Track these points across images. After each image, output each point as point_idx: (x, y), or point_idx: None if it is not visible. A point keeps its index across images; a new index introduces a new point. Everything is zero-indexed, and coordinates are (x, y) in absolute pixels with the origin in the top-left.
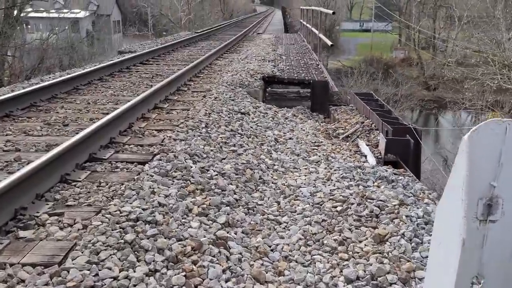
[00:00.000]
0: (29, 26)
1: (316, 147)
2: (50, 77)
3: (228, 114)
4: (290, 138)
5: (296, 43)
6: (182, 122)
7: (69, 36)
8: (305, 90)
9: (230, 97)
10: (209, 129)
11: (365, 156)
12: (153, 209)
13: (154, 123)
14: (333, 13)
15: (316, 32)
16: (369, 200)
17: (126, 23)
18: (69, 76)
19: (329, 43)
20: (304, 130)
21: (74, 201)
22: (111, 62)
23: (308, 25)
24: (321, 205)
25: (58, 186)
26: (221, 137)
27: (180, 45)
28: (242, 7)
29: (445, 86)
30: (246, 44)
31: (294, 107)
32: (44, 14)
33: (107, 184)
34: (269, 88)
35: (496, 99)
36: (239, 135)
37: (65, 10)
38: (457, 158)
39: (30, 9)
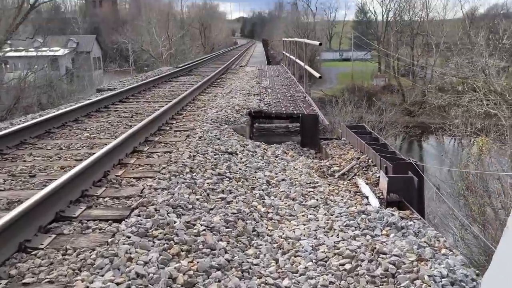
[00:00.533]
0: (7, 66)
1: (312, 189)
2: (21, 120)
3: (215, 155)
4: (283, 180)
5: (280, 75)
6: (164, 168)
7: (48, 74)
8: (294, 124)
9: (215, 135)
10: (194, 173)
11: (367, 198)
12: (130, 282)
13: (132, 169)
14: (320, 44)
15: (302, 64)
16: (381, 256)
17: (107, 59)
18: (41, 118)
19: (317, 75)
20: (297, 169)
21: (33, 277)
22: (88, 101)
23: (291, 56)
24: (326, 262)
25: (15, 257)
26: (207, 183)
27: (161, 80)
28: (223, 40)
29: (427, 111)
30: (230, 77)
31: (283, 142)
32: (23, 53)
33: (75, 251)
34: (256, 124)
35: (482, 124)
36: (228, 179)
37: (44, 49)
38: None
39: (8, 49)
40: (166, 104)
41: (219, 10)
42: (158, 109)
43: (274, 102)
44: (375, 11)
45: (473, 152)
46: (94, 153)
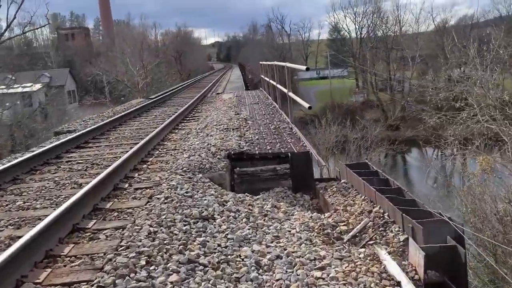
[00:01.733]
0: None
1: (319, 271)
2: None
3: (184, 225)
4: (277, 257)
5: (260, 101)
6: (109, 260)
7: (22, 112)
8: (282, 166)
9: (186, 192)
10: (152, 267)
11: (399, 284)
12: None
13: (64, 266)
14: (307, 69)
15: (285, 90)
16: None
17: (81, 92)
18: None
19: (306, 105)
20: (293, 235)
21: None
22: (38, 151)
23: (271, 81)
24: None
25: None
26: (171, 283)
27: (129, 116)
28: (200, 66)
29: (409, 125)
30: (205, 107)
31: (271, 189)
32: None
33: None
34: (238, 169)
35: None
36: (202, 268)
37: (15, 85)
38: None
39: None
40: (131, 148)
41: (193, 36)
42: (119, 157)
43: (257, 138)
44: (348, 29)
45: (476, 172)
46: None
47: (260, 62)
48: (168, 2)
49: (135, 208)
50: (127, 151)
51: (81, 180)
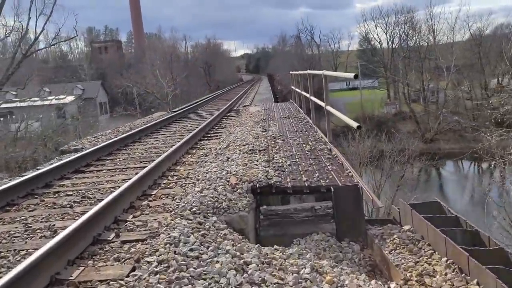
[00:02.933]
0: (13, 116)
1: None
2: None
3: None
4: None
5: (291, 115)
6: None
7: (55, 122)
8: (323, 204)
9: (192, 250)
10: None
11: None
12: None
13: None
14: (356, 76)
15: (321, 104)
16: None
17: (112, 104)
18: None
19: (354, 124)
20: None
21: None
22: (24, 178)
23: (304, 93)
24: None
25: None
26: None
27: (146, 132)
28: (228, 77)
29: (442, 136)
30: (230, 122)
31: (308, 235)
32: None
33: None
34: (264, 207)
35: None
36: None
37: (50, 97)
38: None
39: (15, 99)
40: (136, 173)
41: (223, 48)
42: (119, 186)
43: (289, 164)
44: (379, 39)
45: None
46: None
47: (291, 72)
48: (198, 15)
49: (111, 283)
50: (130, 178)
51: (60, 223)
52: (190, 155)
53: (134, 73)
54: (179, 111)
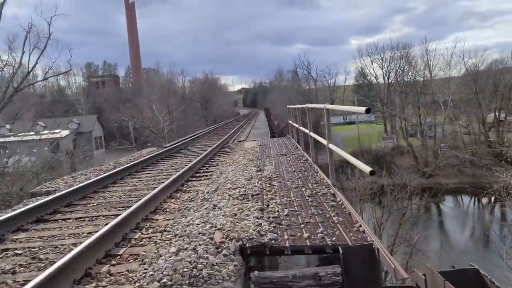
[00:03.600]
0: (6, 151)
1: None
2: None
3: None
4: None
5: (288, 152)
6: None
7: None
8: (329, 270)
9: None
10: None
11: None
12: None
13: None
14: (368, 110)
15: (323, 142)
16: None
17: (108, 138)
18: None
19: (367, 169)
20: None
21: None
22: None
23: (303, 129)
24: None
25: None
26: None
27: (130, 170)
28: (225, 111)
29: (441, 171)
30: (223, 159)
31: None
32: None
33: None
34: (256, 273)
35: None
36: None
37: (45, 132)
38: None
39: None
40: (107, 223)
41: (220, 83)
42: (81, 242)
43: (286, 214)
44: (375, 74)
45: None
46: None
47: (288, 106)
48: (196, 50)
49: None
50: (97, 231)
51: None
52: (173, 200)
53: (130, 108)
54: (170, 147)
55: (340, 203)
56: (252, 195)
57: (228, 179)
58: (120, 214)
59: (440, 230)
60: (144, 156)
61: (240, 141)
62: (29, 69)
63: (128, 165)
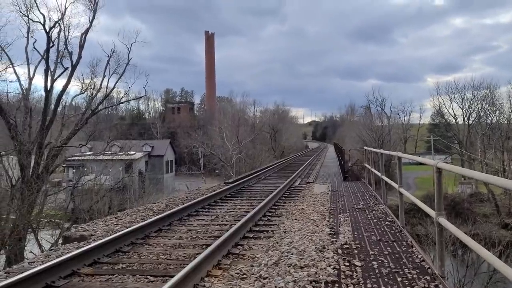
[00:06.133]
0: (85, 169)
1: None
2: None
3: None
4: None
5: (367, 206)
6: None
7: (123, 177)
8: None
9: None
10: None
11: None
12: None
13: None
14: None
15: (431, 213)
16: None
17: (179, 162)
18: None
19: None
20: None
21: None
22: None
23: (393, 183)
24: None
25: None
26: None
27: (182, 214)
28: (294, 143)
29: None
30: (288, 207)
31: None
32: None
33: None
34: None
35: None
36: None
37: (121, 152)
38: None
39: (89, 153)
40: None
41: (290, 115)
42: None
43: None
44: (454, 114)
45: None
46: None
47: (365, 148)
48: (269, 82)
49: None
50: None
51: None
52: (220, 273)
53: (202, 134)
54: (233, 184)
55: None
56: (326, 283)
57: (293, 246)
58: None
59: None
60: (202, 195)
61: (308, 182)
62: (107, 93)
63: (181, 207)
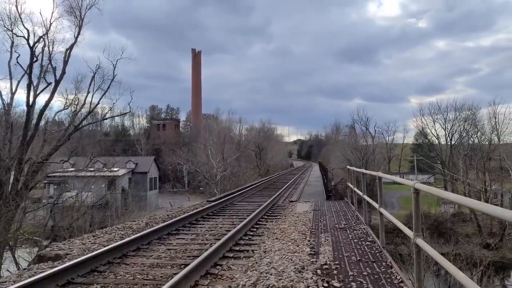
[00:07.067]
0: (66, 185)
1: None
2: None
3: None
4: None
5: (348, 226)
6: None
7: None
8: None
9: None
10: None
11: None
12: None
13: None
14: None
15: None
16: None
17: (163, 179)
18: None
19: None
20: None
21: None
22: None
23: (374, 203)
24: None
25: None
26: None
27: (162, 232)
28: (279, 162)
29: (508, 243)
30: (270, 226)
31: None
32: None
33: None
34: None
35: None
36: None
37: (104, 169)
38: None
39: (71, 169)
40: None
41: (276, 133)
42: None
43: None
44: (437, 134)
45: None
46: None
47: (348, 167)
48: (255, 100)
49: None
50: None
51: None
52: None
53: (186, 151)
54: (215, 202)
55: None
56: None
57: (273, 266)
58: None
59: None
60: (184, 213)
61: (291, 201)
62: (91, 109)
63: (161, 225)
